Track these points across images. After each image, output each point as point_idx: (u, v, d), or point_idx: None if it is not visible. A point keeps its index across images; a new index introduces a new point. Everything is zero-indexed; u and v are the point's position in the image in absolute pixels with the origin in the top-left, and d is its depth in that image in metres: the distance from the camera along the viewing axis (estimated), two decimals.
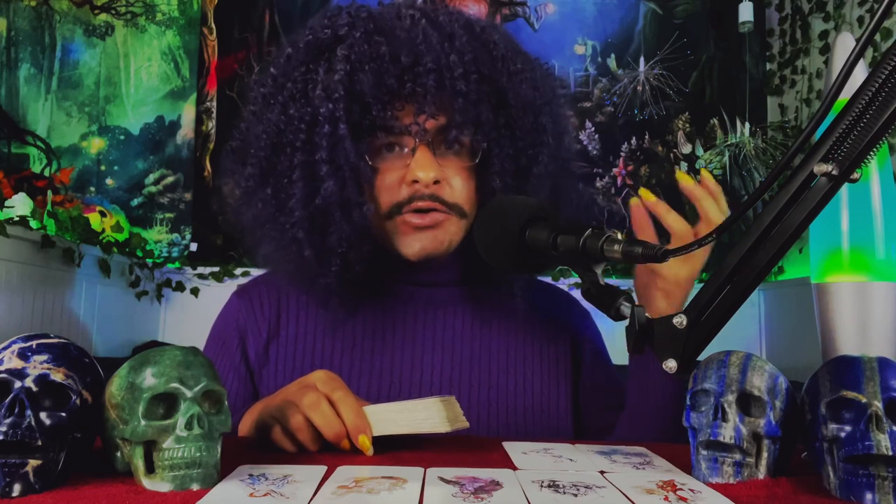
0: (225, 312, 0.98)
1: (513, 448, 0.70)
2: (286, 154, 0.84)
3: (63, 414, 0.51)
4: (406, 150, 0.85)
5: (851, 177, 0.46)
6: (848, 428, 0.53)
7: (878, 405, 0.52)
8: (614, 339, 0.99)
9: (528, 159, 0.88)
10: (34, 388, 0.51)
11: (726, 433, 0.56)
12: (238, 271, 3.57)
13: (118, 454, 0.54)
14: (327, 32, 0.86)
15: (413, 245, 0.86)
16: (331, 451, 0.67)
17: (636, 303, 0.56)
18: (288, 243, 0.86)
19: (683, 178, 0.83)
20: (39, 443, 0.50)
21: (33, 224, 2.70)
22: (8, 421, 0.49)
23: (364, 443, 0.65)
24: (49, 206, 2.96)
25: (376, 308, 0.93)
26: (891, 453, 0.50)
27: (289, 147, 0.84)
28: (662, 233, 0.84)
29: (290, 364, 0.91)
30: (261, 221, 0.89)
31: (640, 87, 4.01)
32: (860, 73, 0.76)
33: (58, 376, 0.52)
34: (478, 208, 0.89)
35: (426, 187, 0.83)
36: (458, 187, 0.86)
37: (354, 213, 0.83)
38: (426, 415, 0.64)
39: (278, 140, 0.85)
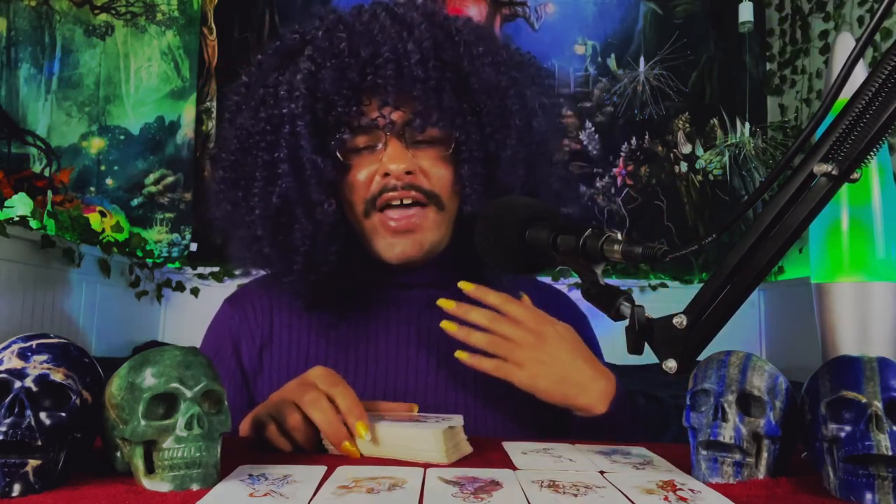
0: (217, 321, 0.97)
1: (513, 448, 0.70)
2: (252, 155, 0.86)
3: (63, 414, 0.51)
4: (379, 146, 0.86)
5: (851, 177, 0.46)
6: (848, 428, 0.53)
7: (878, 405, 0.52)
8: (614, 339, 0.99)
9: (496, 145, 0.87)
10: (34, 388, 0.51)
11: (726, 433, 0.56)
12: (238, 271, 3.57)
13: (118, 454, 0.54)
14: (296, 37, 0.88)
15: (392, 249, 0.86)
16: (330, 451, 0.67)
17: (635, 303, 0.56)
18: (250, 242, 0.87)
19: (445, 304, 0.82)
20: (39, 443, 0.50)
21: (33, 224, 2.70)
22: (8, 421, 0.49)
23: (361, 430, 0.65)
24: (49, 206, 2.96)
25: (367, 312, 0.93)
26: (891, 453, 0.50)
27: (255, 149, 0.85)
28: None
29: (283, 372, 0.90)
30: (230, 222, 0.91)
31: (640, 87, 4.01)
32: (860, 73, 0.77)
33: (58, 376, 0.52)
34: (458, 200, 0.89)
35: (398, 179, 0.83)
36: (435, 175, 0.86)
37: (316, 211, 0.84)
38: (426, 447, 0.63)
39: (247, 143, 0.86)
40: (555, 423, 0.93)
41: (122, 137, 3.85)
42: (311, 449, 0.68)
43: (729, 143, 3.97)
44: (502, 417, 0.90)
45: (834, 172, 0.45)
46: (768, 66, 4.00)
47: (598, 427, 0.81)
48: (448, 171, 0.87)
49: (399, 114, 0.84)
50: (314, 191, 0.83)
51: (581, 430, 0.83)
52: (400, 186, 0.84)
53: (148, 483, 0.52)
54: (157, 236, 3.80)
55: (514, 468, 0.60)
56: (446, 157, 0.87)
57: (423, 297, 0.93)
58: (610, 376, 0.83)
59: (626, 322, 0.55)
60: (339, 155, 0.85)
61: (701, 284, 0.55)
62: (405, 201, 0.85)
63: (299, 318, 0.94)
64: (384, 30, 0.83)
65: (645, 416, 0.90)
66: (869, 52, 2.96)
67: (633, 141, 3.98)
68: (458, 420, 0.68)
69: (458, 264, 0.92)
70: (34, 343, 0.53)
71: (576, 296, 0.94)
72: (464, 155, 0.86)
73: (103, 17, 3.89)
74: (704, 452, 0.58)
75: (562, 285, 3.21)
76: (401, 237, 0.86)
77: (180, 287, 3.60)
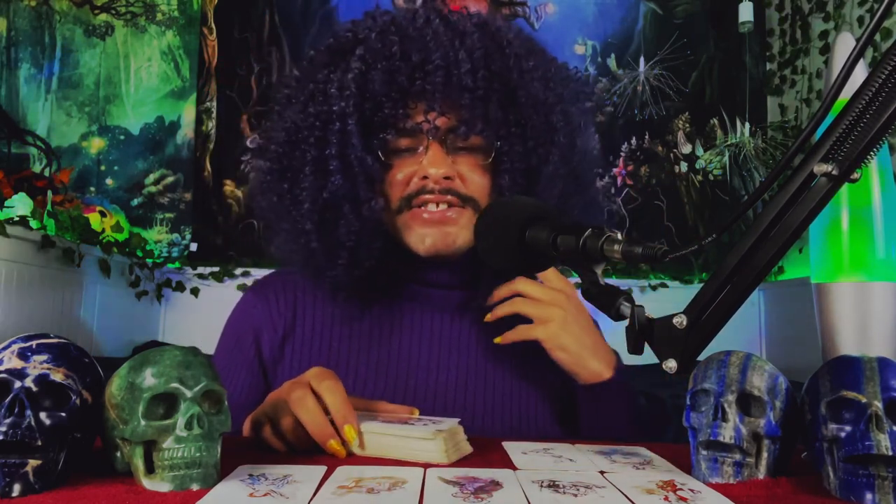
0: (240, 309, 0.98)
1: (513, 448, 0.70)
2: (301, 150, 0.87)
3: (63, 414, 0.51)
4: (420, 149, 0.87)
5: (851, 177, 0.46)
6: (848, 428, 0.53)
7: (878, 405, 0.52)
8: (615, 340, 0.99)
9: (538, 159, 0.88)
10: (34, 388, 0.51)
11: (726, 433, 0.56)
12: (238, 271, 3.57)
13: (118, 454, 0.54)
14: (348, 36, 0.89)
15: (423, 240, 0.87)
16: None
17: (636, 303, 0.56)
18: (297, 235, 0.88)
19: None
20: (39, 443, 0.50)
21: (33, 224, 2.70)
22: (8, 421, 0.49)
23: (349, 434, 0.64)
24: (49, 206, 2.95)
25: (391, 309, 0.94)
26: (891, 453, 0.50)
27: (303, 143, 0.87)
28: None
29: (304, 362, 0.91)
30: (275, 214, 0.92)
31: (640, 87, 4.01)
32: (860, 73, 0.76)
33: (58, 376, 0.52)
34: None
35: (436, 183, 0.85)
36: (473, 181, 0.88)
37: (363, 208, 0.85)
38: (425, 447, 0.63)
39: (296, 137, 0.87)
40: (560, 433, 0.93)
41: (122, 137, 3.85)
42: (307, 449, 0.67)
43: (729, 143, 3.97)
44: (520, 416, 0.90)
45: (834, 172, 0.45)
46: (768, 66, 4.00)
47: (603, 396, 0.84)
48: (485, 178, 0.89)
49: (444, 119, 0.85)
50: (362, 188, 0.85)
51: (587, 400, 0.86)
52: (437, 190, 0.85)
53: (148, 483, 0.52)
54: (157, 236, 3.80)
55: (514, 468, 0.60)
56: (485, 166, 0.89)
57: (446, 297, 0.95)
58: (610, 349, 0.89)
59: (626, 322, 0.55)
60: (380, 154, 0.86)
61: (701, 284, 0.55)
62: (440, 205, 0.86)
63: (323, 309, 0.94)
64: (437, 36, 0.85)
65: (646, 415, 0.92)
66: (869, 52, 2.96)
67: (633, 141, 3.98)
68: (453, 423, 0.68)
69: (482, 268, 0.93)
70: (34, 343, 0.53)
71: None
72: (504, 166, 0.88)
73: (103, 17, 3.89)
74: (704, 452, 0.58)
75: None
76: (432, 227, 0.87)
77: (180, 287, 3.60)
